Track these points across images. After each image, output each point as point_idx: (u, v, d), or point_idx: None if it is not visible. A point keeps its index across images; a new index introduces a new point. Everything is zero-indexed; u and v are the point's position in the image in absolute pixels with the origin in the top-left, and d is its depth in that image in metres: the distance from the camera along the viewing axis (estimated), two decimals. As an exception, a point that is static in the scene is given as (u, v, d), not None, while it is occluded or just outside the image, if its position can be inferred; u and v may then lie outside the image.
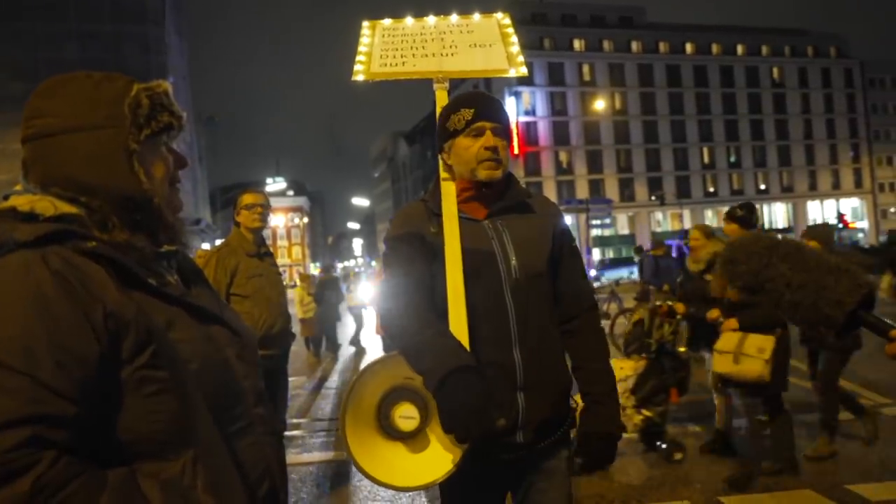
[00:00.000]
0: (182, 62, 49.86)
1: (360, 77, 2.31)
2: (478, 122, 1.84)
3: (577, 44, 61.19)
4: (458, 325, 1.67)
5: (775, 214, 66.62)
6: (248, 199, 3.83)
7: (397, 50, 2.38)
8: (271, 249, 4.10)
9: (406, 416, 1.57)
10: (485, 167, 1.83)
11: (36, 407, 0.83)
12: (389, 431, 1.57)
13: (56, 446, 0.84)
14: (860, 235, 57.74)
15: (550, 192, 54.31)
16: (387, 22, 2.50)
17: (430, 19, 2.50)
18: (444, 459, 1.57)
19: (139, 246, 1.08)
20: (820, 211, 66.67)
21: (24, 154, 1.07)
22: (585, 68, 61.13)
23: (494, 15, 2.56)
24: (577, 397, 1.95)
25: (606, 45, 62.07)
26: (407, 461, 1.57)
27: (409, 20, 2.50)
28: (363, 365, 9.58)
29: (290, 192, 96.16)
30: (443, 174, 1.94)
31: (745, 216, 4.47)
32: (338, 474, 5.01)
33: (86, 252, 0.97)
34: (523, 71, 2.37)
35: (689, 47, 64.40)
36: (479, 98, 1.89)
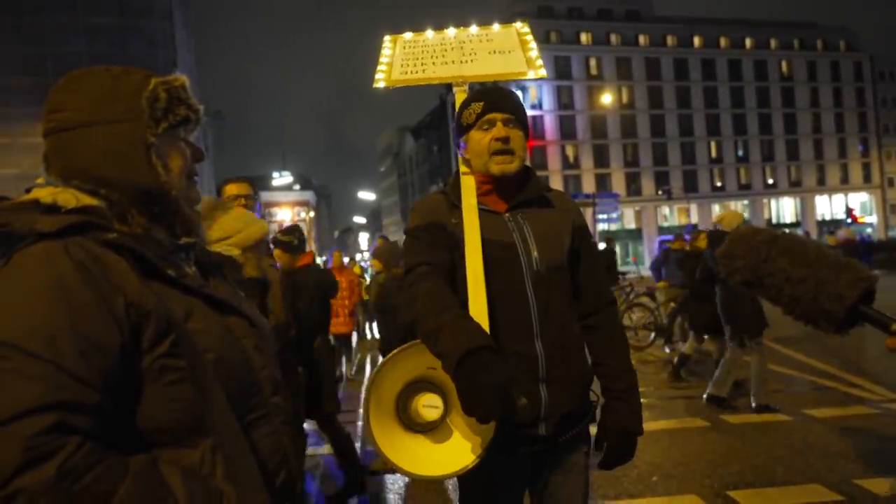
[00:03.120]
0: (189, 56, 49.87)
1: (380, 84, 2.37)
2: (487, 114, 1.86)
3: (583, 37, 60.88)
4: (479, 311, 1.67)
5: (783, 209, 66.24)
6: (230, 189, 3.60)
7: (418, 59, 2.44)
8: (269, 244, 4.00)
9: (429, 405, 1.57)
10: (496, 161, 1.85)
11: (60, 394, 0.85)
12: (411, 423, 1.58)
13: (80, 432, 0.85)
14: (868, 230, 57.30)
15: (557, 187, 53.26)
16: (408, 35, 2.57)
17: (451, 31, 2.57)
18: (469, 449, 1.57)
19: (158, 238, 1.10)
20: (828, 206, 66.26)
21: (46, 147, 1.09)
22: (592, 62, 60.82)
23: (513, 24, 2.63)
24: (598, 391, 1.96)
25: (613, 38, 61.74)
26: (432, 451, 1.58)
27: (429, 33, 2.57)
28: (369, 358, 9.53)
29: (297, 187, 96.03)
30: (462, 168, 1.96)
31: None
32: (346, 467, 5.04)
33: (107, 243, 0.98)
34: (542, 73, 2.41)
35: (696, 41, 63.96)
36: (489, 91, 1.92)
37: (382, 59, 2.45)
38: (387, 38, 2.56)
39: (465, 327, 1.55)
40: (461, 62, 2.40)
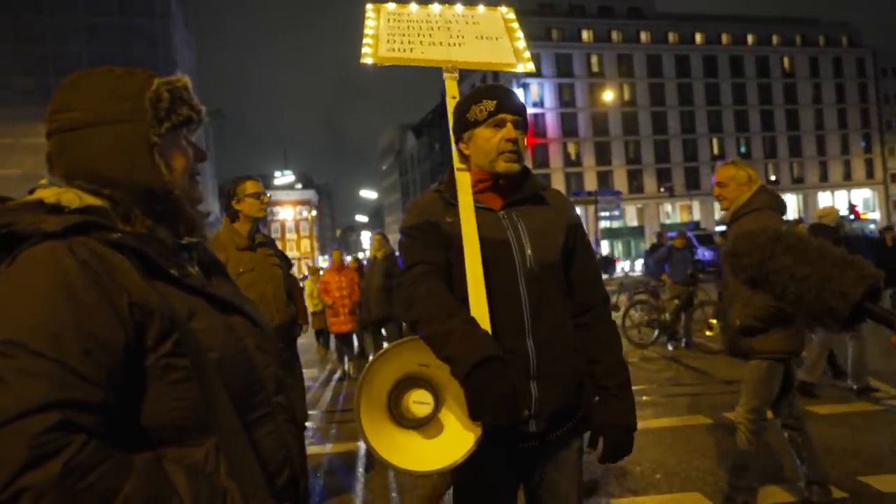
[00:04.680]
0: (189, 55, 49.89)
1: (368, 60, 2.31)
2: (500, 113, 1.86)
3: (585, 34, 60.80)
4: (480, 312, 1.67)
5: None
6: (252, 187, 3.72)
7: (404, 35, 2.38)
8: (276, 241, 4.01)
9: (420, 401, 1.58)
10: (504, 159, 1.85)
11: (65, 392, 0.85)
12: (402, 418, 1.59)
13: (85, 430, 0.86)
14: (871, 227, 57.22)
15: (559, 184, 54.15)
16: (391, 6, 2.50)
17: (435, 7, 2.51)
18: (459, 444, 1.58)
19: (161, 237, 1.10)
20: (831, 202, 66.17)
21: (49, 148, 1.09)
22: (594, 59, 60.76)
23: (499, 9, 2.57)
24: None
25: (615, 35, 61.65)
26: (422, 446, 1.59)
27: (413, 6, 2.50)
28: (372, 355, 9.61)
29: (299, 185, 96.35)
30: (458, 164, 1.94)
31: None
32: (349, 465, 5.06)
33: (110, 243, 0.99)
34: (531, 66, 2.39)
35: (698, 37, 63.84)
36: (501, 90, 1.92)
37: (367, 31, 2.38)
38: (369, 6, 2.48)
39: (475, 334, 1.57)
40: (449, 45, 2.35)
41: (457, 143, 1.96)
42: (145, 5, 42.72)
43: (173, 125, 1.11)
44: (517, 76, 50.37)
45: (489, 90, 1.91)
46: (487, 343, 1.55)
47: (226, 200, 3.73)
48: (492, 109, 1.85)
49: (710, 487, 4.05)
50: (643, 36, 62.40)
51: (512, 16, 2.55)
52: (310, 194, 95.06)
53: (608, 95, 43.28)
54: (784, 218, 3.49)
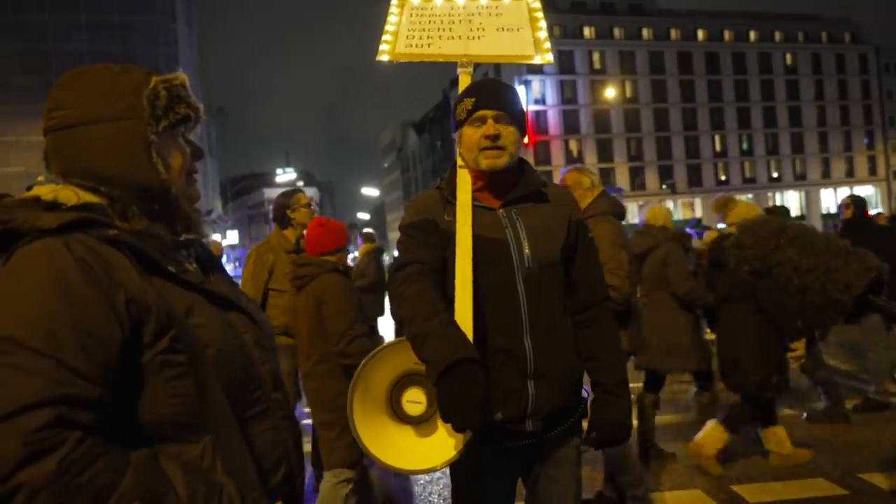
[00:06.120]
0: (191, 53, 49.87)
1: (384, 57, 2.32)
2: (478, 111, 1.84)
3: (587, 31, 60.64)
4: (464, 312, 1.68)
5: (788, 203, 65.85)
6: (304, 198, 4.18)
7: (424, 30, 2.37)
8: None
9: (413, 400, 1.59)
10: (484, 156, 1.84)
11: (61, 389, 0.85)
12: (399, 416, 1.60)
13: (81, 427, 0.86)
14: (874, 223, 57.01)
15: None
16: (416, 1, 2.47)
17: (460, 0, 2.47)
18: (450, 445, 1.59)
19: (159, 234, 1.11)
20: (833, 199, 65.97)
21: (46, 145, 1.09)
22: (596, 56, 60.61)
23: None
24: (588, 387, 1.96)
25: (617, 32, 61.49)
26: (414, 445, 1.61)
27: (437, 0, 2.48)
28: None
29: (300, 183, 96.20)
30: (459, 162, 1.95)
31: None
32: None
33: (108, 240, 0.99)
34: (549, 58, 2.36)
35: (700, 34, 63.66)
36: (481, 87, 1.90)
37: (388, 27, 2.37)
38: (394, 1, 2.46)
39: (450, 336, 1.57)
40: (468, 38, 2.33)
41: (456, 142, 1.97)
42: (147, 3, 42.70)
43: (171, 123, 1.12)
44: (520, 72, 50.22)
45: (470, 88, 1.91)
46: (462, 345, 1.54)
47: (279, 210, 4.15)
48: (469, 108, 1.85)
49: (712, 484, 4.05)
50: (645, 32, 62.22)
51: (537, 5, 2.50)
52: (312, 192, 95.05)
53: (610, 92, 43.18)
54: (622, 223, 3.47)
